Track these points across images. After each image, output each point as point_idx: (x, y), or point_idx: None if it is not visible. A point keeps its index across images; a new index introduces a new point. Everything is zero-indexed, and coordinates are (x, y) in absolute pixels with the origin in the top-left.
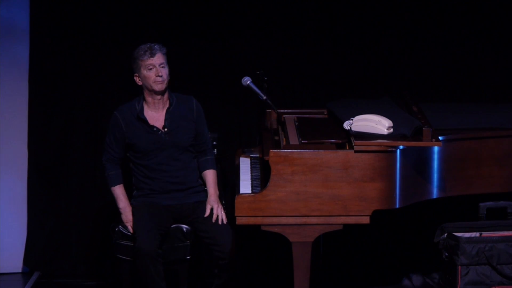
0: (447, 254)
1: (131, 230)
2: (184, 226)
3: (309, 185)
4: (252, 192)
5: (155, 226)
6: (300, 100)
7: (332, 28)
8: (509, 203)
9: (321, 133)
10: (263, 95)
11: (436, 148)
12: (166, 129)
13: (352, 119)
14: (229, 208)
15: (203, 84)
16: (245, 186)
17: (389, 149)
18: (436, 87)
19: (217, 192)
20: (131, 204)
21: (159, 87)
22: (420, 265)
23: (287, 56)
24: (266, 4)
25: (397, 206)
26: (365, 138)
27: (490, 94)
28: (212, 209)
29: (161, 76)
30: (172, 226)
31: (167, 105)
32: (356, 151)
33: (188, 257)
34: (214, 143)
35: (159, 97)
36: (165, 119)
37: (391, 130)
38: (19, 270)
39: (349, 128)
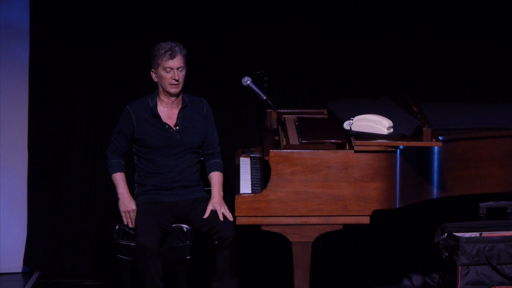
0: (447, 254)
1: (125, 221)
2: (185, 226)
3: (309, 185)
4: (252, 192)
5: (156, 224)
6: (300, 100)
7: (332, 28)
8: (509, 203)
9: (321, 133)
10: (263, 95)
11: (436, 148)
12: (177, 128)
13: (352, 119)
14: (229, 208)
15: (203, 84)
16: (245, 186)
17: (389, 149)
18: (436, 87)
19: (221, 194)
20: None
21: (173, 90)
22: (420, 265)
23: (287, 56)
24: (266, 4)
25: (397, 206)
26: (365, 138)
27: (490, 94)
28: (217, 221)
29: (177, 80)
30: (173, 225)
31: (180, 105)
32: (356, 151)
33: (188, 257)
34: None
35: (173, 98)
36: (177, 118)
37: (391, 130)
38: (19, 270)
39: (349, 128)
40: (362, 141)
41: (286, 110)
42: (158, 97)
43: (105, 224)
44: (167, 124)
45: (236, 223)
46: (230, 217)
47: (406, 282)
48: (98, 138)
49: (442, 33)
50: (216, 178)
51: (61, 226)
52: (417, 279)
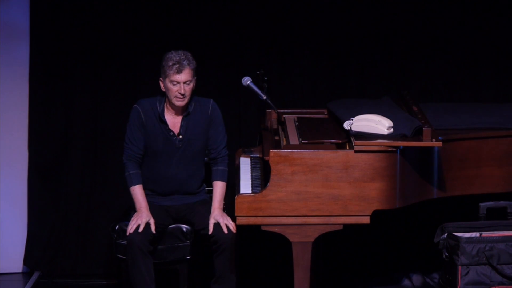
0: (447, 254)
1: (130, 225)
2: (184, 226)
3: (309, 185)
4: (252, 192)
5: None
6: (300, 100)
7: (332, 28)
8: (509, 203)
9: (321, 133)
10: (263, 95)
11: (436, 148)
12: (181, 137)
13: (352, 119)
14: (229, 208)
15: (203, 84)
16: (245, 186)
17: (389, 149)
18: (436, 87)
19: (222, 206)
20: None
21: (179, 103)
22: (420, 265)
23: (287, 56)
24: (266, 4)
25: (397, 206)
26: (365, 138)
27: (490, 94)
28: (215, 224)
29: (183, 94)
30: (172, 226)
31: (184, 112)
32: (356, 151)
33: (188, 257)
34: None
35: (179, 108)
36: (181, 126)
37: (391, 130)
38: (19, 270)
39: (349, 128)
40: (362, 141)
41: (286, 110)
42: (165, 103)
43: (105, 224)
44: (172, 131)
45: (236, 223)
46: (233, 228)
47: (406, 282)
48: (98, 138)
49: (442, 33)
50: (216, 189)
51: (61, 226)
52: (417, 279)
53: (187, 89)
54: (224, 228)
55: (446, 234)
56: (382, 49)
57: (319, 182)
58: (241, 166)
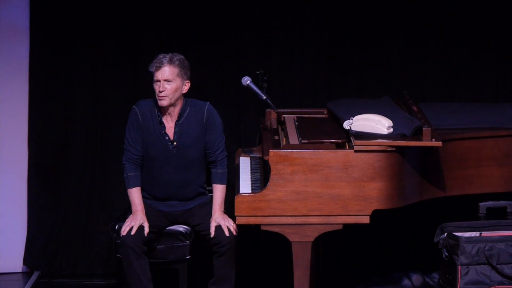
0: (447, 254)
1: (124, 227)
2: (184, 226)
3: (309, 185)
4: (252, 192)
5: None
6: (300, 100)
7: (332, 28)
8: (509, 203)
9: (321, 133)
10: (263, 95)
11: (436, 148)
12: (175, 143)
13: (352, 119)
14: (229, 208)
15: (202, 84)
16: (245, 186)
17: (389, 149)
18: (436, 87)
19: (222, 209)
20: None
21: (161, 102)
22: (420, 265)
23: (287, 55)
24: (266, 4)
25: (397, 206)
26: (365, 137)
27: (490, 94)
28: (216, 227)
29: (161, 92)
30: (173, 226)
31: (176, 118)
32: (356, 151)
33: (188, 257)
34: None
35: (169, 110)
36: (174, 133)
37: (391, 129)
38: (19, 270)
39: (349, 127)
40: (362, 141)
41: (286, 110)
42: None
43: (105, 224)
44: (167, 135)
45: (236, 222)
46: (234, 231)
47: (406, 281)
48: (98, 138)
49: (442, 33)
50: (216, 192)
51: (61, 226)
52: (417, 279)
53: (168, 88)
54: (226, 230)
55: (446, 234)
56: (382, 49)
57: (319, 182)
58: (241, 165)
